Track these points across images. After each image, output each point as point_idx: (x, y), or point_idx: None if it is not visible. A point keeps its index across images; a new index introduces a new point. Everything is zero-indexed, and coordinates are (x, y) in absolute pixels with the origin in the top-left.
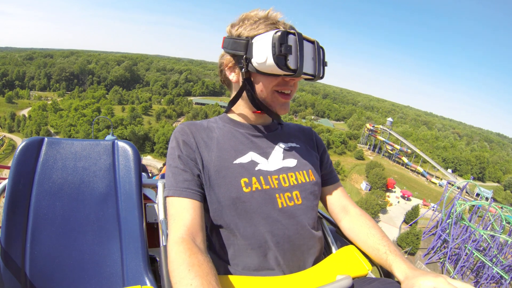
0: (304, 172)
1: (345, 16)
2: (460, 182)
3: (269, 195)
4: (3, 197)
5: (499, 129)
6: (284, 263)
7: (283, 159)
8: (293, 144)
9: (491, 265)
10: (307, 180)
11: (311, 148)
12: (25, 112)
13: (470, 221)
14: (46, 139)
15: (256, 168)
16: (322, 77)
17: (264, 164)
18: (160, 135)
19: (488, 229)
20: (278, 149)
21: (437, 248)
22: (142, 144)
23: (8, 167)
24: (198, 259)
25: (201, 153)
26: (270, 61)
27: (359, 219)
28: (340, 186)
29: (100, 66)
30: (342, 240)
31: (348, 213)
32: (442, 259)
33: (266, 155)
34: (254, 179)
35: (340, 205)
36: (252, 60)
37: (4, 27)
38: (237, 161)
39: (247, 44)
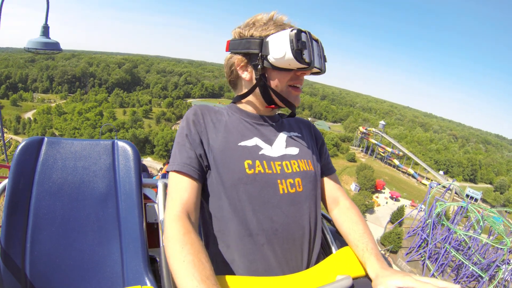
0: (305, 161)
1: (347, 16)
2: (445, 183)
3: (271, 179)
4: (3, 197)
5: (499, 130)
6: (282, 252)
7: (286, 147)
8: (296, 134)
9: (467, 263)
10: (309, 168)
11: (311, 139)
12: (30, 114)
13: (453, 221)
14: (46, 138)
15: (260, 153)
16: (324, 72)
17: (268, 150)
18: (160, 138)
19: (470, 230)
20: (282, 138)
21: (418, 247)
22: (143, 146)
23: (8, 167)
24: (191, 237)
25: (208, 133)
26: (289, 55)
27: (346, 212)
28: (335, 177)
29: (101, 68)
30: (342, 240)
31: (337, 205)
32: (423, 258)
33: (270, 142)
34: (257, 162)
35: (332, 196)
36: (269, 57)
37: (4, 27)
38: (242, 143)
39: (261, 43)
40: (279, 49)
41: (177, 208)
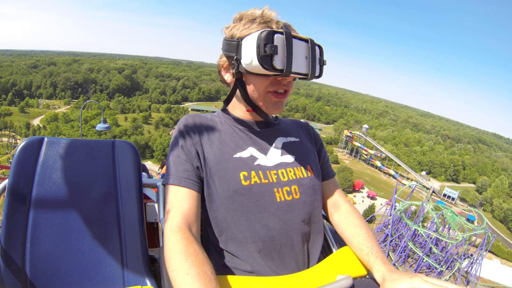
0: (302, 167)
1: (347, 15)
2: (410, 184)
3: (267, 189)
4: (3, 197)
5: (496, 129)
6: (279, 257)
7: (282, 154)
8: (292, 139)
9: (421, 255)
10: (305, 175)
11: (309, 142)
12: (37, 120)
13: (417, 217)
14: (46, 138)
15: (255, 163)
16: (319, 76)
17: (263, 160)
18: (158, 144)
19: (435, 227)
20: (277, 145)
21: (383, 240)
22: (143, 151)
23: (8, 167)
24: (194, 248)
25: (203, 145)
26: (255, 62)
27: (347, 216)
28: (334, 182)
29: (102, 75)
30: (342, 240)
31: (338, 209)
32: (386, 250)
33: (265, 151)
34: (253, 173)
35: (332, 201)
36: (241, 61)
37: (4, 29)
38: (237, 155)
39: (238, 45)
40: (248, 54)
41: (177, 219)
